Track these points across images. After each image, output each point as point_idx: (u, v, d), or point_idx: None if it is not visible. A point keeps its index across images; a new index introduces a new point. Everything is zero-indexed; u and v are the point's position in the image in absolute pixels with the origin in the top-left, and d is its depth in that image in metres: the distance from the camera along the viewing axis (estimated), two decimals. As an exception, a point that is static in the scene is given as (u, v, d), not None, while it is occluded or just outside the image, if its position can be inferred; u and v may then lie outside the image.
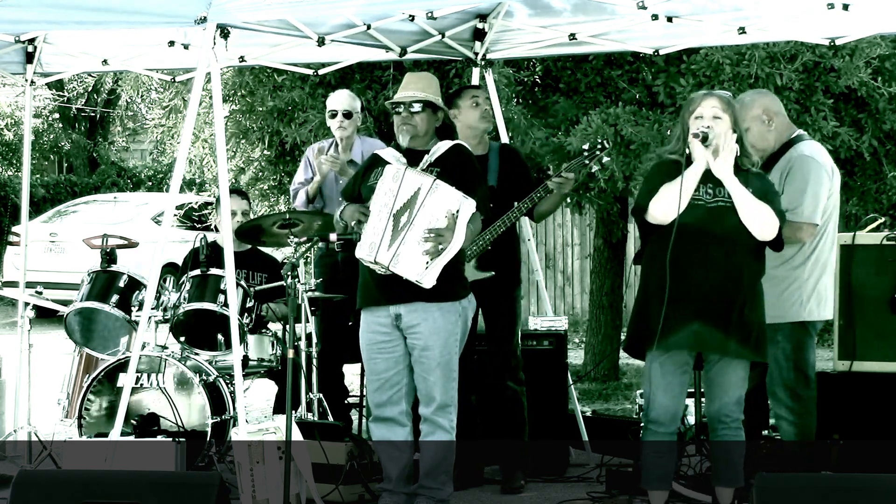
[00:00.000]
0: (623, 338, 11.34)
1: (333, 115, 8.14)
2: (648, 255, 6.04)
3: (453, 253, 6.14)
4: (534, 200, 7.17)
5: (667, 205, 5.91)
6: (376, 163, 6.43)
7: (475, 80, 8.22)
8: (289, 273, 6.47)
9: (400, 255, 6.09)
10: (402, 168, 6.24)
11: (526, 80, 9.86)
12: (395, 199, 6.18)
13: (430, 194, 6.14)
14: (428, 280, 6.12)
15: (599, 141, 7.28)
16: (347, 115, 8.10)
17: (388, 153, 6.43)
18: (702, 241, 5.89)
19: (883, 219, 7.53)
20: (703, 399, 6.39)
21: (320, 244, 7.52)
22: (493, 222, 7.06)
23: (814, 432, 6.75)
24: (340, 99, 8.18)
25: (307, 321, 7.43)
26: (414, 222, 6.11)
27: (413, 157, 6.34)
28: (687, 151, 5.96)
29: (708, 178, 5.95)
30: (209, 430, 7.08)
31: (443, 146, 6.41)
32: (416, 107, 6.37)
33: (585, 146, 7.29)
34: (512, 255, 7.30)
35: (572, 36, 7.72)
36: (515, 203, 7.18)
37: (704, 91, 6.18)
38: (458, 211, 6.14)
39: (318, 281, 7.84)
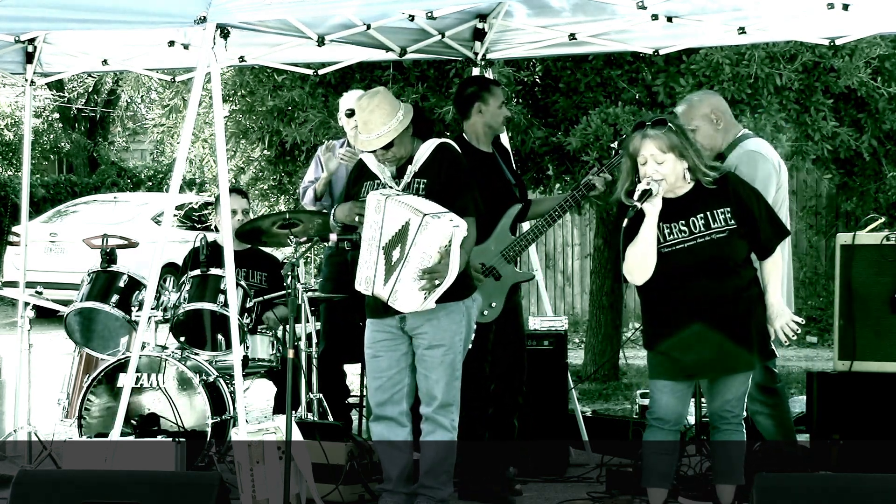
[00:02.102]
0: (623, 338, 11.39)
1: (350, 115, 8.12)
2: (647, 303, 6.00)
3: (450, 283, 6.10)
4: (576, 199, 7.10)
5: (638, 268, 5.86)
6: (362, 174, 6.40)
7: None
8: (289, 273, 6.47)
9: (398, 291, 6.08)
10: (382, 199, 6.16)
11: (526, 79, 9.87)
12: (381, 233, 6.13)
13: (421, 232, 6.04)
14: (429, 306, 6.14)
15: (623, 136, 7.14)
16: None
17: (372, 161, 6.38)
18: (695, 279, 5.86)
19: (883, 219, 7.53)
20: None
21: (328, 244, 7.52)
22: (523, 218, 7.08)
23: (791, 421, 6.76)
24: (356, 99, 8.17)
25: (307, 321, 7.43)
26: (408, 259, 6.05)
27: (399, 169, 6.30)
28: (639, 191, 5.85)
29: (675, 213, 5.88)
30: (209, 430, 7.08)
31: (426, 150, 6.31)
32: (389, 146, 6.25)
33: (614, 144, 7.18)
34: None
35: (572, 36, 7.72)
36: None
37: (639, 132, 5.94)
38: (450, 242, 6.08)
39: (322, 280, 7.81)
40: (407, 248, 6.06)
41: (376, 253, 6.13)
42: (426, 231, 6.04)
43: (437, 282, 6.07)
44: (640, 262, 5.84)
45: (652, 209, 5.82)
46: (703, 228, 5.87)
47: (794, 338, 6.03)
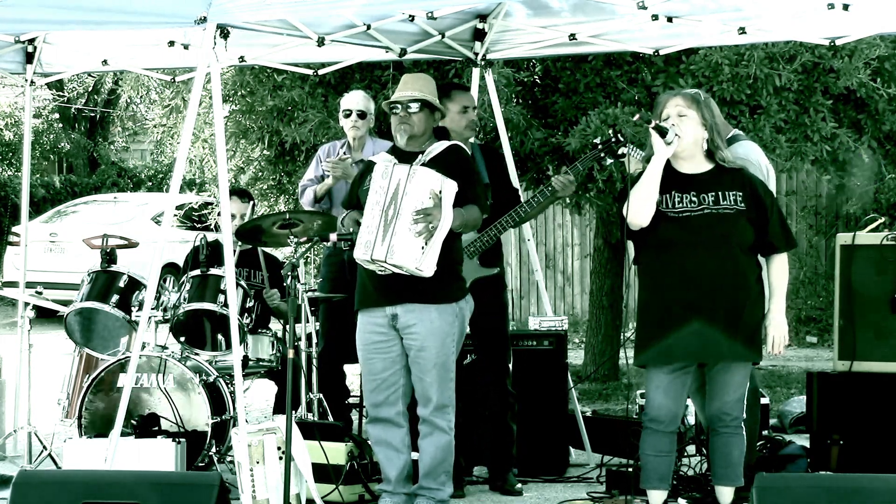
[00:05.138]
0: (622, 338, 11.38)
1: (348, 115, 8.15)
2: (644, 273, 6.03)
3: (445, 231, 6.15)
4: (541, 198, 7.14)
5: (639, 207, 5.88)
6: (370, 168, 6.44)
7: (475, 81, 8.23)
8: (289, 273, 6.47)
9: (394, 246, 6.10)
10: (390, 165, 6.26)
11: (525, 80, 9.87)
12: (385, 196, 6.19)
13: (410, 180, 6.16)
14: (427, 267, 6.13)
15: (612, 134, 7.13)
16: (361, 115, 8.12)
17: (380, 158, 6.44)
18: (696, 250, 5.88)
19: (883, 219, 7.55)
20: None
21: (327, 244, 7.54)
22: (493, 220, 7.08)
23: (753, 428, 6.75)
24: (356, 99, 8.20)
25: (307, 321, 7.44)
26: (400, 211, 6.13)
27: (408, 159, 6.35)
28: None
29: (689, 187, 5.94)
30: (209, 430, 7.08)
31: (438, 146, 6.41)
32: (414, 107, 6.38)
33: (597, 139, 7.21)
34: (499, 256, 7.29)
35: (572, 36, 7.73)
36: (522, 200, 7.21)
37: (670, 91, 6.14)
38: (441, 190, 6.17)
39: (321, 280, 7.79)
40: (399, 201, 6.14)
41: (379, 217, 6.17)
42: (415, 178, 6.16)
43: (431, 225, 6.11)
44: (641, 198, 5.86)
45: (662, 150, 5.88)
46: (712, 203, 5.92)
47: (779, 353, 6.03)
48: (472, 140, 7.29)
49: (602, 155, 7.08)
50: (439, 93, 7.15)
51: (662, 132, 5.88)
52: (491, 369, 7.20)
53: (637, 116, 6.13)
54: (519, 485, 7.23)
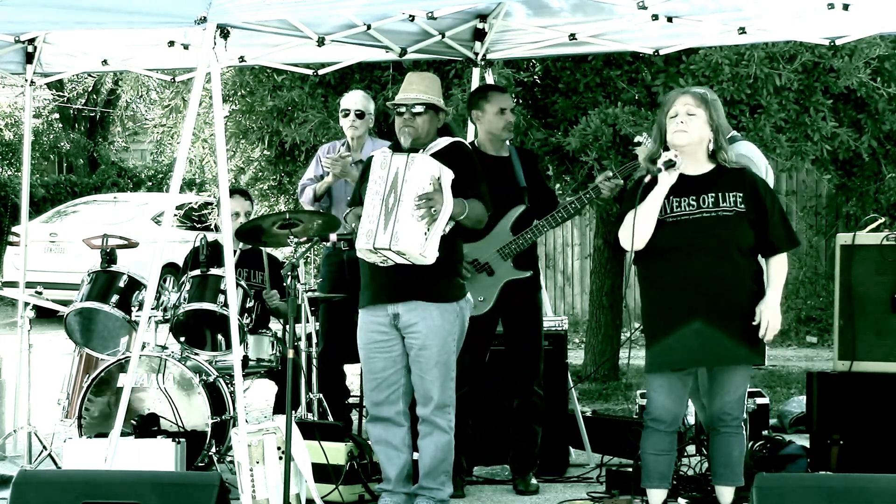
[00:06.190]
0: (622, 338, 11.39)
1: (346, 114, 8.16)
2: (644, 277, 6.02)
3: (447, 217, 6.15)
4: (583, 201, 7.14)
5: (637, 234, 5.87)
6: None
7: (475, 81, 8.23)
8: (289, 273, 6.47)
9: (398, 233, 6.10)
10: (388, 154, 6.28)
11: (525, 80, 9.87)
12: (385, 185, 6.20)
13: (409, 168, 6.18)
14: (430, 253, 6.13)
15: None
16: (360, 115, 8.12)
17: (379, 151, 6.45)
18: (695, 255, 5.87)
19: (883, 219, 7.54)
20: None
21: (327, 244, 7.53)
22: (530, 222, 7.09)
23: None
24: (354, 99, 8.21)
25: (307, 321, 7.44)
26: (401, 198, 6.14)
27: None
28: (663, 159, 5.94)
29: (688, 189, 5.93)
30: (209, 430, 7.08)
31: (441, 142, 6.42)
32: (418, 108, 6.37)
33: (640, 137, 7.21)
34: (534, 259, 7.29)
35: (572, 36, 7.73)
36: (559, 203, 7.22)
37: (679, 89, 6.16)
38: (440, 176, 6.17)
39: (321, 280, 7.78)
40: (400, 189, 6.15)
41: (379, 206, 6.17)
42: (413, 165, 6.18)
43: (434, 209, 6.11)
44: (638, 225, 5.85)
45: (667, 179, 5.87)
46: (711, 205, 5.91)
47: (769, 340, 6.01)
48: (507, 142, 7.30)
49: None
50: (476, 95, 7.21)
51: (671, 165, 5.87)
52: (518, 367, 7.20)
53: (642, 146, 6.10)
54: (535, 481, 7.23)
